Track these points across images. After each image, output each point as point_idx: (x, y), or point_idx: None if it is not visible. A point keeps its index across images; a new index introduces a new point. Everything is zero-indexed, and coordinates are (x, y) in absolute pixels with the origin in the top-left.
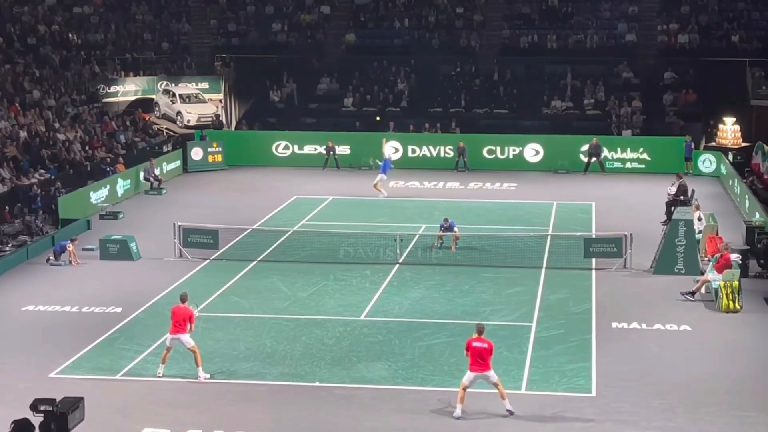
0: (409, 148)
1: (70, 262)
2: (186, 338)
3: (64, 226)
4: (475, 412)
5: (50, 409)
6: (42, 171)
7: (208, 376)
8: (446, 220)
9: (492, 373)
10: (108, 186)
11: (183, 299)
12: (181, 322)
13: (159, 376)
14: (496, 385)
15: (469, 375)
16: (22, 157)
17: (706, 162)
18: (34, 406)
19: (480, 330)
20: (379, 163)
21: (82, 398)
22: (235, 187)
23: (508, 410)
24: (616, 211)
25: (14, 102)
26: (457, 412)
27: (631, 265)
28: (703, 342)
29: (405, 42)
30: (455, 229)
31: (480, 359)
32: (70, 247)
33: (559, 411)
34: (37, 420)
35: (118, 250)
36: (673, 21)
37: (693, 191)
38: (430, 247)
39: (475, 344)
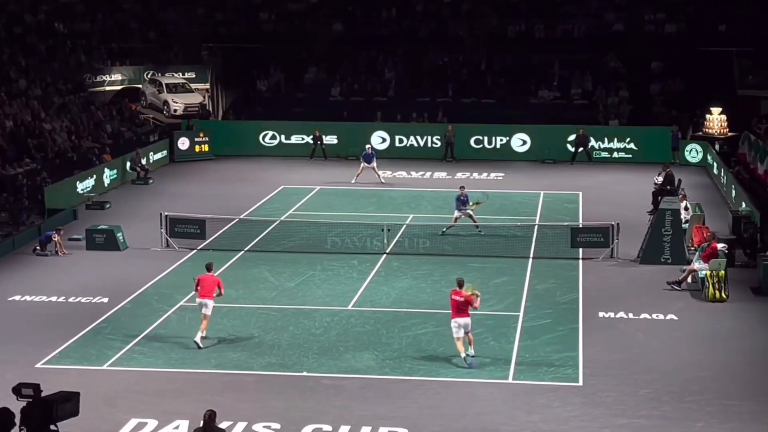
0: (397, 137)
1: (57, 252)
2: (211, 305)
3: (51, 216)
4: (463, 401)
5: (31, 393)
6: (28, 161)
7: (201, 346)
8: (462, 188)
9: (467, 321)
10: (94, 176)
11: (209, 268)
12: (209, 288)
13: (199, 344)
14: (467, 333)
15: (453, 325)
16: (8, 146)
17: (693, 152)
18: (17, 390)
19: (460, 283)
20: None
21: (77, 393)
22: (222, 176)
23: (468, 355)
24: (603, 200)
25: (0, 91)
26: (463, 355)
27: (618, 255)
28: (689, 331)
29: (393, 31)
30: (469, 203)
31: (459, 309)
32: (56, 237)
33: (547, 401)
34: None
35: (105, 240)
36: (660, 10)
37: (680, 181)
38: (445, 229)
39: (454, 297)
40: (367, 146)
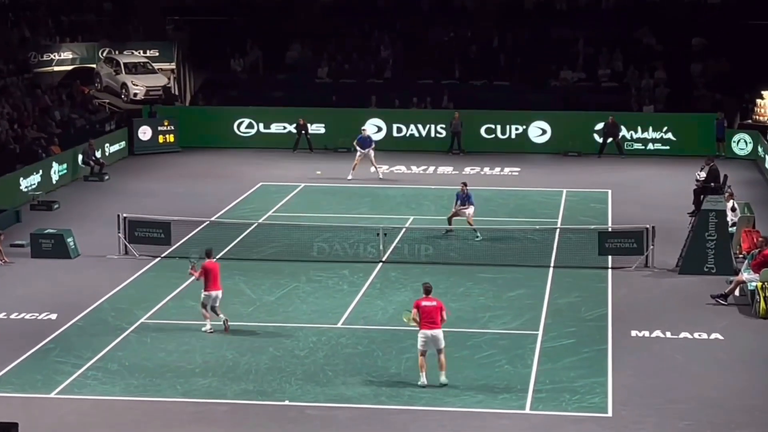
0: (395, 126)
1: None
2: (220, 295)
3: None
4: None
5: None
6: None
7: (212, 331)
8: (464, 185)
9: (442, 336)
10: (41, 171)
11: (209, 254)
12: (218, 277)
13: (210, 331)
14: (439, 353)
15: (420, 336)
16: None
17: (741, 143)
18: None
19: (427, 289)
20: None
21: (15, 424)
22: (190, 172)
23: (442, 382)
24: (636, 200)
25: None
26: (422, 380)
27: (654, 264)
28: (736, 352)
29: (390, 2)
30: (471, 201)
31: (431, 319)
32: None
33: None
34: None
35: (53, 247)
36: None
37: (726, 177)
38: (444, 233)
39: (424, 303)
40: (363, 129)
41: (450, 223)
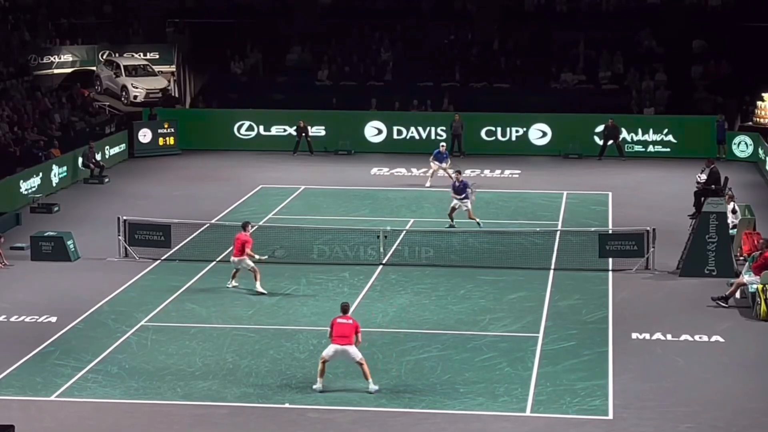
0: (395, 128)
1: None
2: (245, 262)
3: None
4: None
5: None
6: None
7: (264, 292)
8: (458, 173)
9: (355, 350)
10: (41, 174)
11: (244, 227)
12: (239, 246)
13: (229, 287)
14: (360, 365)
15: (329, 348)
16: None
17: (742, 145)
18: None
19: (344, 308)
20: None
21: (11, 427)
22: (190, 174)
23: (370, 391)
24: (637, 202)
25: None
26: (318, 385)
27: (654, 266)
28: (737, 355)
29: (390, 4)
30: (468, 191)
31: (342, 334)
32: None
33: None
34: None
35: (53, 249)
36: None
37: (726, 179)
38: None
39: (339, 320)
40: (441, 145)
41: (451, 219)
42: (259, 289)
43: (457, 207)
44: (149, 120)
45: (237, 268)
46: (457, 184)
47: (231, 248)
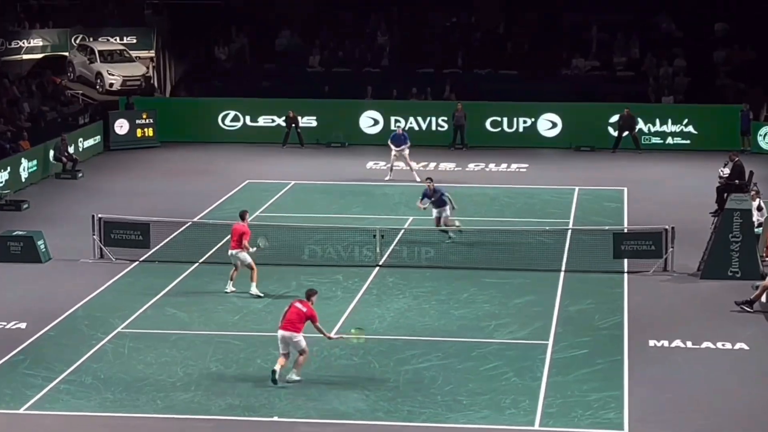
0: (392, 119)
1: None
2: (243, 255)
3: None
4: None
5: None
6: None
7: (261, 295)
8: (430, 181)
9: (300, 339)
10: (9, 168)
11: (242, 216)
12: (235, 238)
13: (228, 292)
14: (300, 353)
15: (278, 333)
16: None
17: None
18: None
19: (308, 294)
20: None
21: None
22: (171, 169)
23: (289, 380)
24: (654, 198)
25: None
26: (276, 367)
27: (673, 268)
28: (763, 364)
29: None
30: (446, 203)
31: (289, 320)
32: None
33: None
34: None
35: (22, 250)
36: None
37: (751, 173)
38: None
39: (296, 304)
40: (397, 125)
41: (446, 230)
42: (255, 291)
43: (439, 216)
44: (126, 110)
45: (235, 266)
46: (429, 192)
47: (216, 247)
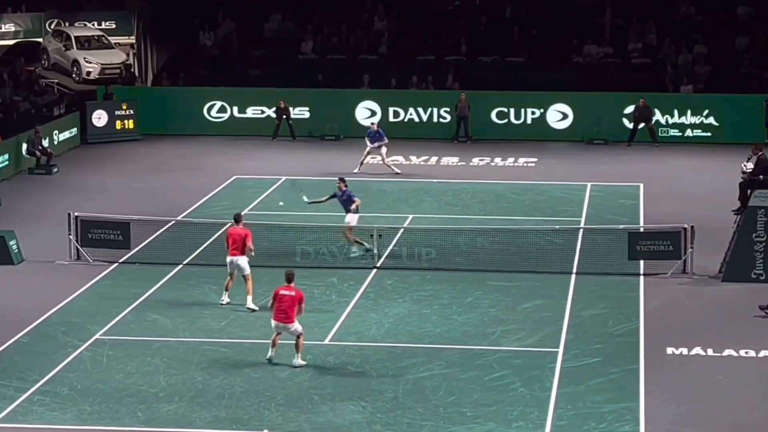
0: (390, 110)
1: None
2: (244, 262)
3: None
4: None
5: None
6: None
7: (256, 309)
8: (342, 182)
9: (295, 326)
10: None
11: (237, 219)
12: (237, 244)
13: (223, 304)
14: (297, 337)
15: (272, 323)
16: None
17: None
18: None
19: (289, 277)
20: None
21: None
22: (153, 163)
23: (296, 365)
24: (673, 195)
25: None
26: (270, 354)
27: (693, 270)
28: None
29: None
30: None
31: (282, 310)
32: None
33: None
34: None
35: None
36: None
37: None
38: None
39: (282, 292)
40: (371, 122)
41: (352, 242)
42: (251, 305)
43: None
44: (105, 100)
45: (231, 275)
46: (339, 193)
47: (201, 248)
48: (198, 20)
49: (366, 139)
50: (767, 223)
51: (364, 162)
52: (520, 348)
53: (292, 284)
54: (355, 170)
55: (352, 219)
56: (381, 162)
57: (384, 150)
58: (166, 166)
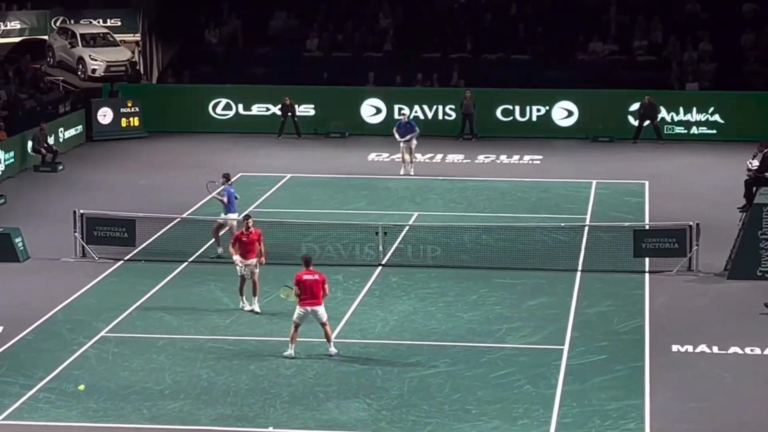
0: (396, 107)
1: None
2: (256, 271)
3: None
4: None
5: None
6: None
7: (260, 312)
8: (227, 178)
9: (323, 310)
10: None
11: (249, 222)
12: (255, 247)
13: (246, 309)
14: (323, 326)
15: (299, 311)
16: None
17: None
18: None
19: (307, 261)
20: None
21: None
22: (158, 161)
23: (330, 353)
24: (678, 193)
25: None
26: (290, 352)
27: (698, 267)
28: None
29: None
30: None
31: (313, 294)
32: None
33: None
34: None
35: None
36: None
37: None
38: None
39: (305, 277)
40: (402, 113)
41: (218, 243)
42: (257, 308)
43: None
44: (110, 98)
45: (243, 279)
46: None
47: (206, 245)
48: (203, 18)
49: (395, 133)
50: None
51: (408, 159)
52: (526, 345)
53: (311, 267)
54: (402, 172)
55: (230, 217)
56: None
57: (414, 143)
58: (172, 164)
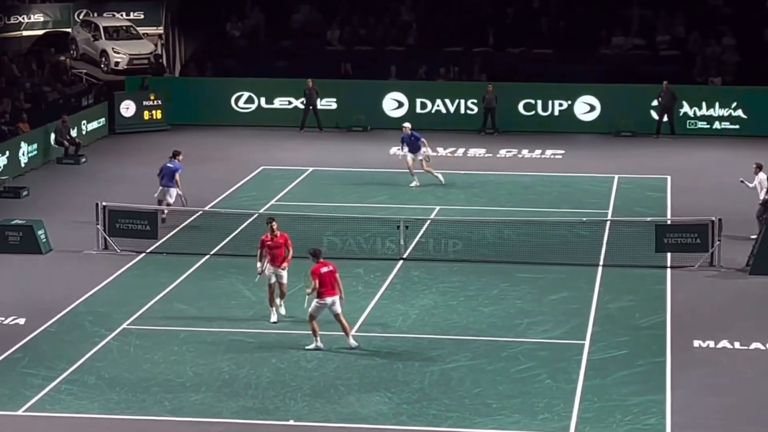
0: (418, 101)
1: None
2: (286, 272)
3: None
4: None
5: None
6: None
7: (283, 312)
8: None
9: (337, 299)
10: (7, 152)
11: (273, 225)
12: (283, 252)
13: (273, 322)
14: (337, 316)
15: (319, 303)
16: None
17: None
18: None
19: (317, 254)
20: None
21: None
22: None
23: (350, 346)
24: (700, 188)
25: None
26: (318, 344)
27: (720, 262)
28: None
29: None
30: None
31: (331, 285)
32: None
33: None
34: None
35: (21, 240)
36: None
37: None
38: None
39: (323, 270)
40: (405, 125)
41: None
42: (282, 310)
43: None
44: (133, 91)
45: (271, 287)
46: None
47: (228, 238)
48: (226, 11)
49: (402, 145)
50: None
51: (418, 169)
52: (547, 340)
53: (322, 259)
54: (412, 184)
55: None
56: (415, 166)
57: (420, 156)
58: (194, 157)
